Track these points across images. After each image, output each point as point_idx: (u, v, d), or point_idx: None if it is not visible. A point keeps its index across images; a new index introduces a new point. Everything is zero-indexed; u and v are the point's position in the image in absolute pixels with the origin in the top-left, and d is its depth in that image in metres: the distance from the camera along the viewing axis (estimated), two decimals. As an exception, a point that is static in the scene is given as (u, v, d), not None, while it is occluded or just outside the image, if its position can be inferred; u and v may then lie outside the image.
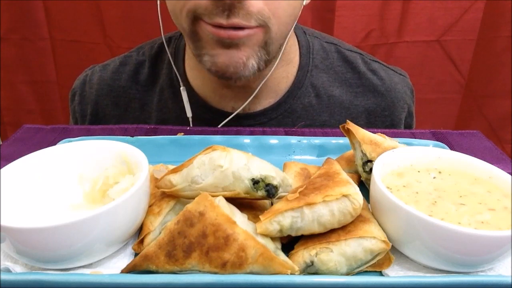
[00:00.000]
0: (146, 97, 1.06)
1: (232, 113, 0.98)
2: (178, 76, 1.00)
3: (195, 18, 0.79)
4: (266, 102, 1.01)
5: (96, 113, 1.08)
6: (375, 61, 1.08)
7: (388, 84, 1.05)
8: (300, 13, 0.90)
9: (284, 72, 1.00)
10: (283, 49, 0.92)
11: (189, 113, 0.99)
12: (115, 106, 1.07)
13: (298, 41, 1.03)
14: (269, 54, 0.84)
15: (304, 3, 0.89)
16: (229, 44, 0.79)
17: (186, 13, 0.79)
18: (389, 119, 1.05)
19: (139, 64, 1.08)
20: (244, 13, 0.75)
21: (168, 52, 1.01)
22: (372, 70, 1.06)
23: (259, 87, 0.95)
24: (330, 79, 1.04)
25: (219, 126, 0.97)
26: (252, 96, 0.96)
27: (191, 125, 1.00)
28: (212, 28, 0.78)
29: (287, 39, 0.91)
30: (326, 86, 1.03)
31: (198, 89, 1.01)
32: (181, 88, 0.99)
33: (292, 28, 0.90)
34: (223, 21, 0.76)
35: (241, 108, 0.96)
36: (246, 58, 0.81)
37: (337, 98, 1.03)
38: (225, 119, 0.98)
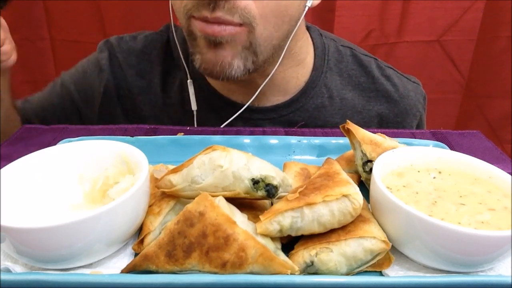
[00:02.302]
0: (168, 77, 1.08)
1: (241, 105, 0.99)
2: (186, 68, 1.01)
3: (189, 16, 0.82)
4: (275, 99, 1.02)
5: (125, 81, 1.08)
6: (390, 67, 1.09)
7: (402, 91, 1.05)
8: (302, 16, 0.89)
9: (294, 72, 1.01)
10: (285, 49, 0.91)
11: (194, 106, 1.01)
12: (141, 79, 1.08)
13: (313, 42, 1.04)
14: (256, 55, 0.85)
15: (309, 4, 0.89)
16: (215, 42, 0.81)
17: (185, 13, 0.82)
18: (400, 126, 1.05)
19: (166, 44, 1.09)
20: (230, 7, 0.77)
21: (179, 48, 1.01)
22: (386, 76, 1.06)
23: (263, 84, 0.95)
24: (343, 82, 1.05)
25: (230, 119, 0.98)
26: (256, 93, 0.96)
27: (195, 118, 1.02)
28: (200, 23, 0.81)
29: (288, 40, 0.90)
30: (339, 89, 1.04)
31: (210, 80, 1.02)
32: (188, 81, 1.00)
33: (294, 30, 0.89)
34: (207, 13, 0.78)
35: (247, 104, 0.97)
36: (231, 58, 0.83)
37: (350, 101, 1.04)
38: (235, 109, 0.98)
